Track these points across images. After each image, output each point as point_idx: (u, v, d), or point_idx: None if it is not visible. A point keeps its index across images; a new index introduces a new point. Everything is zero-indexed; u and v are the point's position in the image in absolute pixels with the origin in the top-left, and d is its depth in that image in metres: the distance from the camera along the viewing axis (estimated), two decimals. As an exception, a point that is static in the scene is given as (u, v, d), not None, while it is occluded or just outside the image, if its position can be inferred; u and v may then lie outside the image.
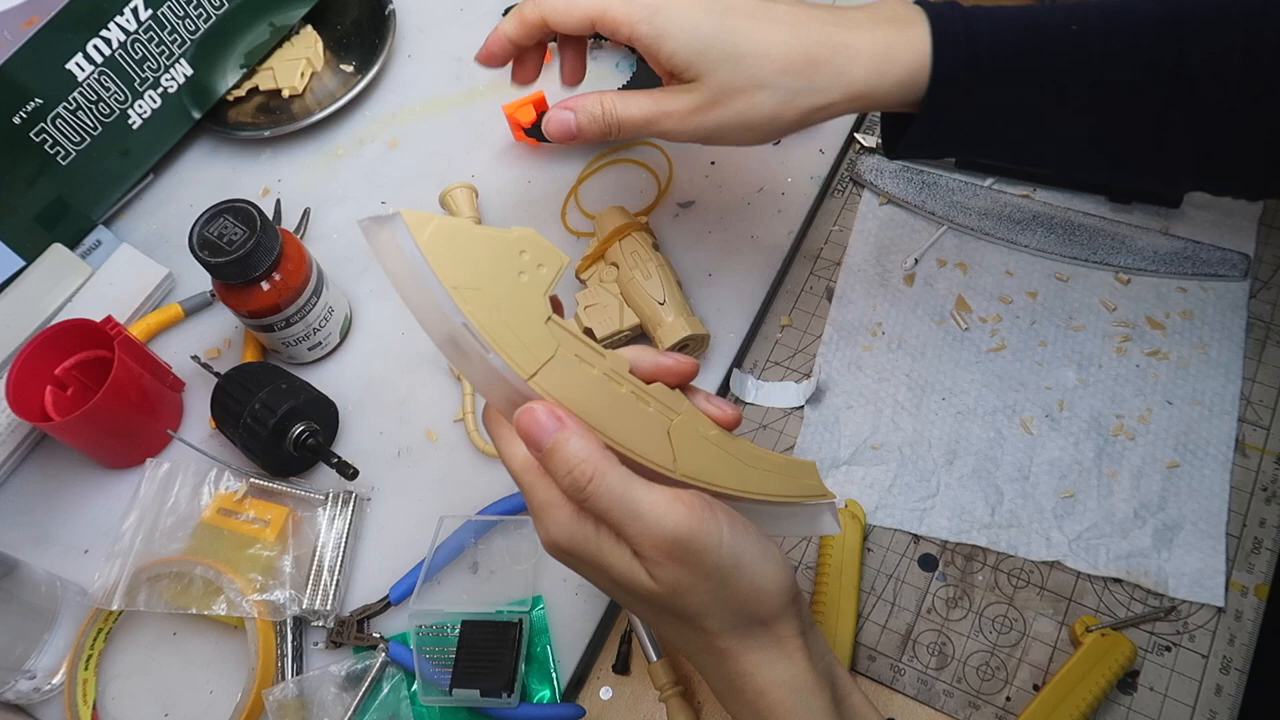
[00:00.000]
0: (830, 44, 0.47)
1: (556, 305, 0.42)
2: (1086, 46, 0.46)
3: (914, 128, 0.49)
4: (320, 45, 0.83)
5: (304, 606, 0.58)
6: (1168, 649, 0.52)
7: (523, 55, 0.55)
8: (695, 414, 0.42)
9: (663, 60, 0.48)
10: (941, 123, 0.49)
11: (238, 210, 0.60)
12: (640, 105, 0.49)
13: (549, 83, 0.79)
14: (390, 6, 0.82)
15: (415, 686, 0.55)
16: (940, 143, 0.50)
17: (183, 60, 0.76)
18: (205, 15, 0.76)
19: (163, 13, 0.73)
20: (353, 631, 0.57)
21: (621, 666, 0.55)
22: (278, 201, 0.76)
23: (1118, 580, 0.54)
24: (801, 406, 0.62)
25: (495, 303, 0.39)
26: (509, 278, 0.39)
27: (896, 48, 0.47)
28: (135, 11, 0.72)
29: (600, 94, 0.50)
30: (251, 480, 0.62)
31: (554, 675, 0.55)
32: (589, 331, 0.62)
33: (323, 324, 0.66)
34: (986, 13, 0.47)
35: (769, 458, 0.44)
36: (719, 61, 0.47)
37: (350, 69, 0.81)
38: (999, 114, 0.48)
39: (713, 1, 0.48)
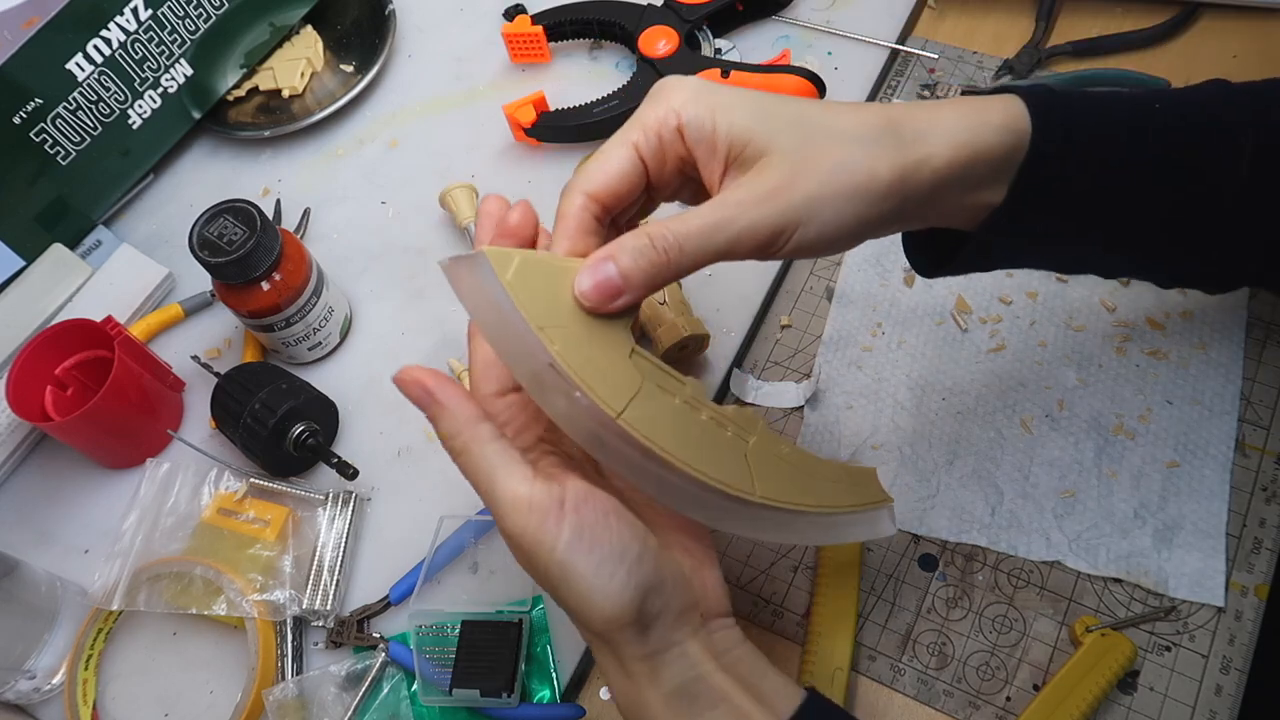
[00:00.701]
0: (907, 110, 0.41)
1: (636, 325, 0.42)
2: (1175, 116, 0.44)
3: (1025, 172, 0.41)
4: (320, 45, 0.83)
5: (304, 606, 0.58)
6: (1168, 649, 0.52)
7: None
8: (768, 434, 0.42)
9: (719, 136, 0.39)
10: (1051, 166, 0.42)
11: (238, 210, 0.60)
12: (700, 214, 0.38)
13: (548, 81, 0.79)
14: (390, 6, 0.82)
15: (415, 686, 0.55)
16: (1050, 197, 0.43)
17: (183, 60, 0.76)
18: (205, 15, 0.76)
19: (163, 13, 0.73)
20: (353, 631, 0.57)
21: (621, 666, 0.55)
22: (278, 201, 0.76)
23: (1118, 580, 0.54)
24: (801, 406, 0.62)
25: (581, 339, 0.38)
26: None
27: (987, 103, 0.41)
28: (135, 11, 0.72)
29: (641, 227, 0.39)
30: (251, 480, 0.62)
31: (554, 675, 0.55)
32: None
33: (323, 324, 0.66)
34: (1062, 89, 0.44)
35: (833, 468, 0.45)
36: (786, 125, 0.39)
37: (350, 69, 0.81)
38: (1097, 172, 0.42)
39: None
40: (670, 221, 0.38)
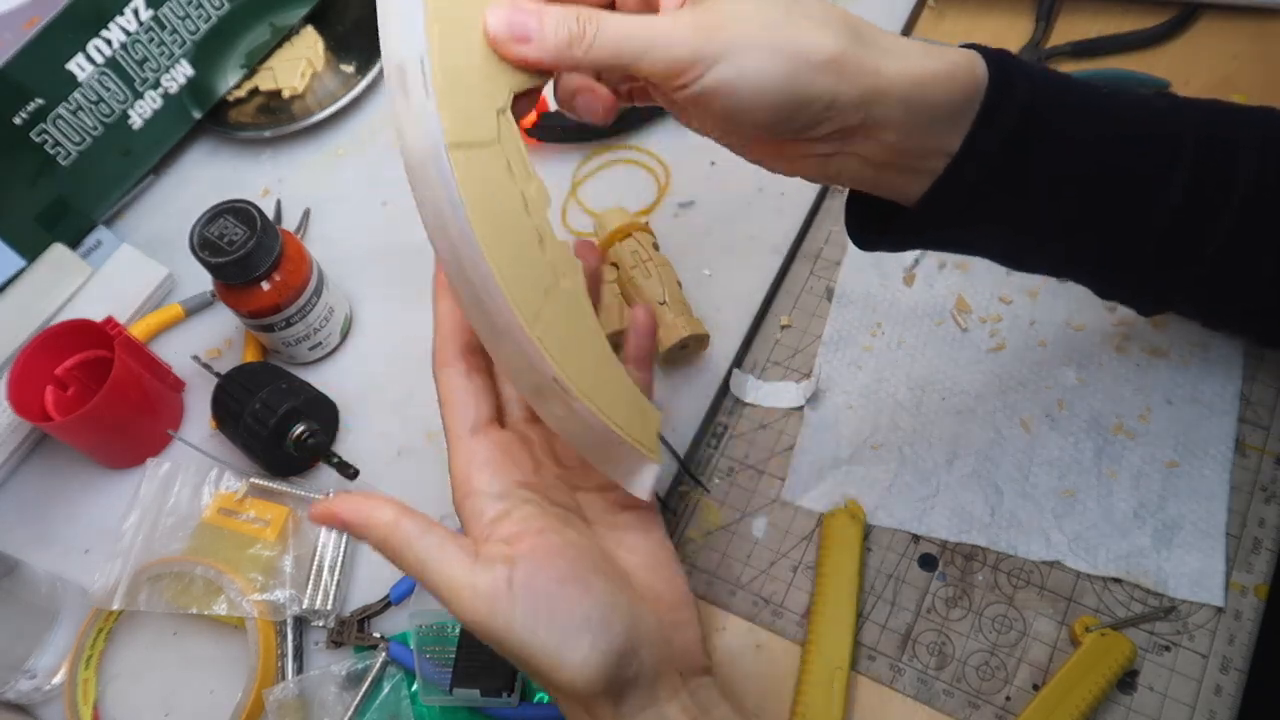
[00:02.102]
0: (870, 24, 0.38)
1: (530, 98, 0.39)
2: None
3: (976, 126, 0.39)
4: (321, 45, 0.83)
5: (304, 606, 0.58)
6: (1167, 649, 0.52)
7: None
8: (582, 295, 0.40)
9: None
10: (1007, 117, 0.40)
11: (238, 210, 0.60)
12: (628, 14, 0.37)
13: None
14: (390, 7, 0.82)
15: (416, 686, 0.55)
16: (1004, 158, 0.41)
17: (183, 60, 0.76)
18: (206, 15, 0.76)
19: (163, 13, 0.73)
20: (353, 631, 0.57)
21: (621, 666, 0.55)
22: (278, 202, 0.76)
23: (1117, 580, 0.54)
24: (801, 406, 0.62)
25: (463, 48, 0.35)
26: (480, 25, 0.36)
27: (946, 48, 0.40)
28: (136, 12, 0.72)
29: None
30: (252, 480, 0.62)
31: (554, 675, 0.55)
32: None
33: (323, 324, 0.66)
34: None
35: (624, 382, 0.41)
36: None
37: (351, 69, 0.81)
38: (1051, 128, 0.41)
39: None
40: (599, 12, 0.37)
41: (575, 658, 0.37)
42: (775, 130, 0.38)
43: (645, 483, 0.42)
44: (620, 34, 0.36)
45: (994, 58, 0.40)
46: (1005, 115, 0.40)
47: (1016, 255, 0.48)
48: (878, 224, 0.45)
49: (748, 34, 0.36)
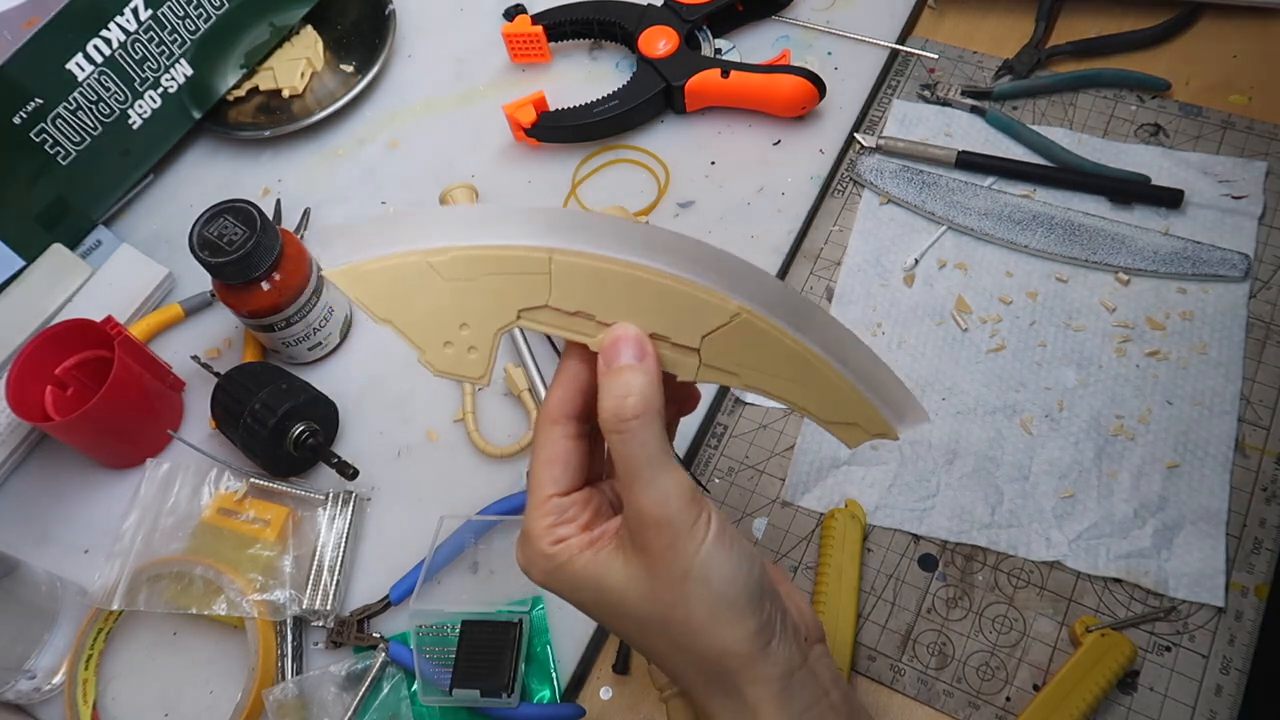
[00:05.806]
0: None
1: None
2: None
3: None
4: (320, 45, 0.83)
5: (304, 606, 0.58)
6: (1168, 649, 0.52)
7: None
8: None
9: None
10: None
11: (238, 210, 0.60)
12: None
13: (549, 81, 0.79)
14: (390, 6, 0.82)
15: (415, 686, 0.55)
16: None
17: (183, 60, 0.76)
18: (205, 15, 0.76)
19: (163, 13, 0.73)
20: (353, 631, 0.57)
21: (621, 666, 0.55)
22: (278, 201, 0.76)
23: (1118, 580, 0.54)
24: (801, 406, 0.62)
25: None
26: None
27: None
28: (135, 11, 0.72)
29: None
30: (251, 480, 0.62)
31: (554, 675, 0.55)
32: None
33: (323, 324, 0.66)
34: None
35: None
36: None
37: (350, 69, 0.81)
38: None
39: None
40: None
41: (751, 580, 0.36)
42: None
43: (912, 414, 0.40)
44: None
45: None
46: None
47: None
48: None
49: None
